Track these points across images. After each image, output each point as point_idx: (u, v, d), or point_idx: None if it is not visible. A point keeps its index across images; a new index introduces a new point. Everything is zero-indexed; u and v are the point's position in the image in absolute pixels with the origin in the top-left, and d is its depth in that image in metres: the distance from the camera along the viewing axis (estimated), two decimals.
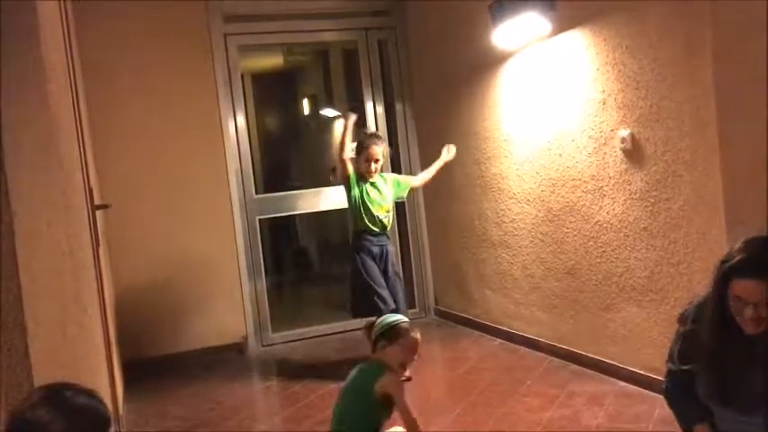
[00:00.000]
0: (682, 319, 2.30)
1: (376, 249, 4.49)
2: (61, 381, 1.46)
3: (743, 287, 1.98)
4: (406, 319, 3.24)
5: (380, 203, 4.49)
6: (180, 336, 5.42)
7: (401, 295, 4.52)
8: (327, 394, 4.33)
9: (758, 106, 3.15)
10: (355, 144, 4.59)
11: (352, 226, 4.68)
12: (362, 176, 4.48)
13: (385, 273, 4.48)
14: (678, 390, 2.28)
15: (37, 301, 1.78)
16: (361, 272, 4.44)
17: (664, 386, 2.38)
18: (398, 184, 4.69)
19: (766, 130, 3.14)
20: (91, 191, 3.47)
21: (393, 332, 3.11)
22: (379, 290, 4.37)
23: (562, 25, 4.09)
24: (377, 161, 4.45)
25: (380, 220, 4.48)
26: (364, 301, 4.41)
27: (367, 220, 4.46)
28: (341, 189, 4.96)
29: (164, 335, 5.35)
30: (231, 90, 5.67)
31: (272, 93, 9.76)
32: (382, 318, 3.29)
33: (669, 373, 2.34)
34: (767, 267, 1.97)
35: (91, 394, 1.39)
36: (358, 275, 4.45)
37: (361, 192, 4.47)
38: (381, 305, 4.29)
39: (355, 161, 4.51)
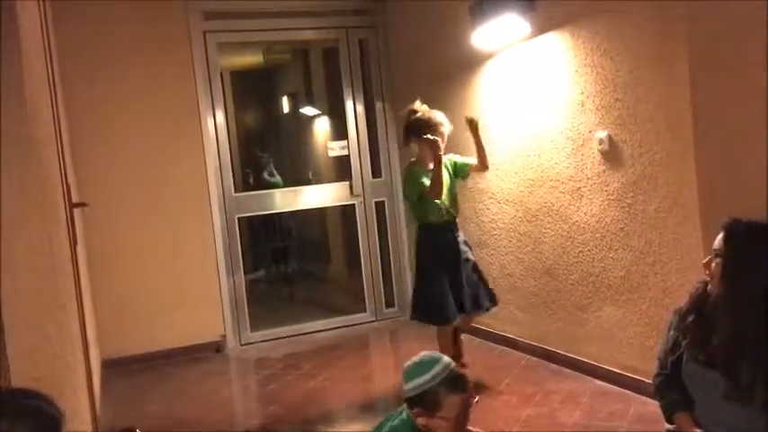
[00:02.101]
0: (675, 313, 2.42)
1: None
2: (8, 388, 1.44)
3: None
4: (447, 372, 2.18)
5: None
6: (158, 334, 5.38)
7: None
8: (307, 393, 4.34)
9: (733, 109, 3.20)
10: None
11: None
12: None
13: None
14: (665, 382, 2.41)
15: (14, 300, 1.77)
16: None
17: (654, 379, 2.49)
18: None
19: (741, 132, 3.20)
20: (68, 188, 3.44)
21: (430, 401, 2.14)
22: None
23: (541, 27, 4.13)
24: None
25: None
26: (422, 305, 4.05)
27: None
28: (320, 188, 4.99)
29: (141, 333, 5.32)
30: (210, 87, 5.64)
31: (252, 91, 9.73)
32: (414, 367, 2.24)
33: (659, 366, 2.46)
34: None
35: (36, 395, 1.38)
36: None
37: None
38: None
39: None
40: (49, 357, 1.99)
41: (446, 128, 3.97)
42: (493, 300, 4.08)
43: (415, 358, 2.24)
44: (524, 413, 3.65)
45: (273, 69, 9.23)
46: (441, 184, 3.86)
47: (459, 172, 4.12)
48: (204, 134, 5.57)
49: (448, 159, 4.03)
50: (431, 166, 3.89)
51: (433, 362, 2.19)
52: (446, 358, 2.23)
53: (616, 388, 3.80)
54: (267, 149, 8.91)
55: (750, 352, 2.13)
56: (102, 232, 5.19)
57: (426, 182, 3.89)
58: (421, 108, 4.07)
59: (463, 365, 3.96)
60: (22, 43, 2.03)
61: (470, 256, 4.06)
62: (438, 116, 4.00)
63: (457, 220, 4.09)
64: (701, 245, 3.19)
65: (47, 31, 3.42)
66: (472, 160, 4.13)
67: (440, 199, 3.91)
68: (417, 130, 3.97)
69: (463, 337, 4.42)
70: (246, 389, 4.85)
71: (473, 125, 4.01)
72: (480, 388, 4.03)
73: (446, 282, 3.92)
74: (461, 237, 4.07)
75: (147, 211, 5.38)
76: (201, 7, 5.56)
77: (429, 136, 3.86)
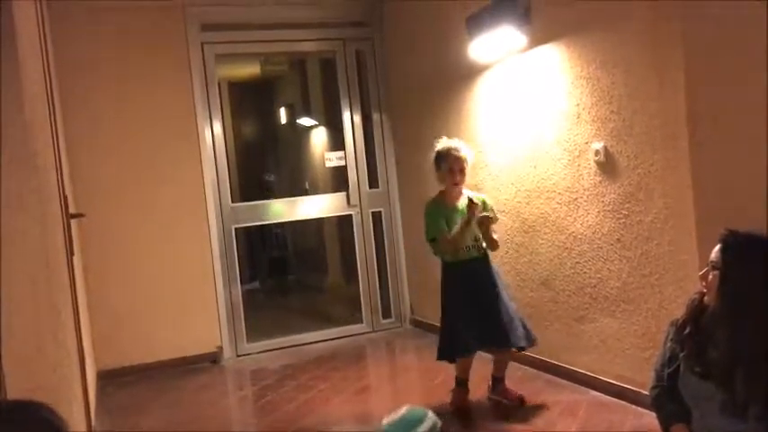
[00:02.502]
0: (672, 324, 2.43)
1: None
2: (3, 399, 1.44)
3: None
4: None
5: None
6: (154, 345, 5.37)
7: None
8: (303, 405, 4.33)
9: (728, 121, 3.22)
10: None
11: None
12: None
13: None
14: (662, 393, 2.41)
15: (11, 311, 1.77)
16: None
17: (651, 390, 2.49)
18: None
19: (736, 144, 3.22)
20: (66, 199, 3.44)
21: None
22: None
23: (537, 39, 4.15)
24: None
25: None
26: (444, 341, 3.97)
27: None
28: (317, 198, 4.96)
29: (138, 344, 5.30)
30: (208, 98, 5.66)
31: (250, 101, 9.75)
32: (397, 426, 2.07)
33: (656, 378, 2.46)
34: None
35: (39, 406, 1.37)
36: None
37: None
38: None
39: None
40: (45, 368, 1.98)
41: (467, 157, 3.91)
42: (529, 340, 3.92)
43: (397, 413, 2.02)
44: (521, 425, 3.64)
45: (271, 80, 9.25)
46: (455, 243, 3.84)
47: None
48: (201, 145, 5.58)
49: (477, 198, 3.88)
50: (456, 203, 3.89)
51: (417, 421, 1.98)
52: (432, 417, 2.02)
53: (613, 399, 3.80)
54: (265, 160, 8.93)
55: (747, 365, 2.13)
56: (99, 243, 5.18)
57: (443, 225, 3.86)
58: (440, 141, 4.01)
59: (520, 400, 3.94)
60: (19, 55, 2.04)
61: (499, 293, 3.91)
62: (456, 147, 3.92)
63: (486, 254, 3.94)
64: (696, 256, 3.20)
65: (45, 43, 3.43)
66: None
67: (449, 253, 3.88)
68: (437, 162, 3.95)
69: None
70: (243, 400, 4.83)
71: (483, 220, 3.83)
72: (476, 399, 4.03)
73: (460, 318, 3.86)
74: (490, 272, 3.94)
75: (144, 222, 5.37)
76: (199, 18, 5.58)
77: (472, 197, 3.81)
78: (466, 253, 3.89)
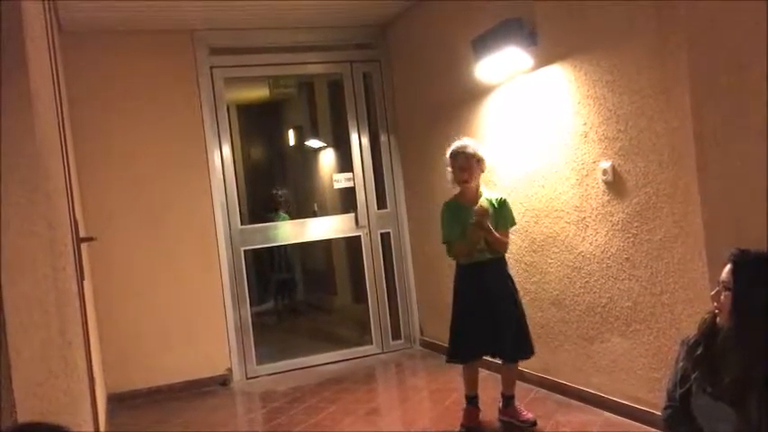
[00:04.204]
0: (683, 344, 2.41)
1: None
2: (27, 421, 1.44)
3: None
4: None
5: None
6: (164, 368, 5.37)
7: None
8: (313, 427, 4.31)
9: (736, 138, 3.21)
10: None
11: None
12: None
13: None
14: (675, 414, 2.40)
15: (21, 335, 1.77)
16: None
17: (663, 411, 2.46)
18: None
19: (744, 161, 3.21)
20: (76, 223, 3.46)
21: None
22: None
23: (543, 60, 4.17)
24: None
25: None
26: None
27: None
28: (326, 220, 4.90)
29: (148, 367, 5.31)
30: (217, 121, 5.70)
31: (258, 124, 9.82)
32: None
33: (668, 398, 2.45)
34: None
35: (56, 428, 1.37)
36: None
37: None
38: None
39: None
40: (55, 392, 1.98)
41: (474, 153, 3.89)
42: (526, 351, 3.93)
43: None
44: None
45: (279, 103, 9.32)
46: (465, 249, 3.86)
47: (501, 216, 3.92)
48: (211, 167, 5.61)
49: (495, 199, 3.92)
50: (471, 202, 3.88)
51: None
52: None
53: (625, 420, 3.77)
54: (274, 182, 8.96)
55: (761, 388, 2.11)
56: (109, 266, 5.20)
57: (455, 228, 3.89)
58: (459, 140, 4.01)
59: (531, 422, 3.90)
60: (31, 79, 2.07)
61: (510, 299, 3.90)
62: (462, 145, 3.93)
63: (500, 257, 3.92)
64: (706, 275, 3.18)
65: (56, 67, 3.47)
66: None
67: (462, 257, 3.90)
68: (450, 164, 3.96)
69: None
70: (252, 423, 4.81)
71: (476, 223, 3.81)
72: (487, 421, 4.00)
73: (468, 322, 3.88)
74: (503, 276, 3.92)
75: (154, 245, 5.39)
76: (208, 43, 5.64)
77: (484, 200, 3.86)
78: (478, 255, 3.87)
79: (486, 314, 3.84)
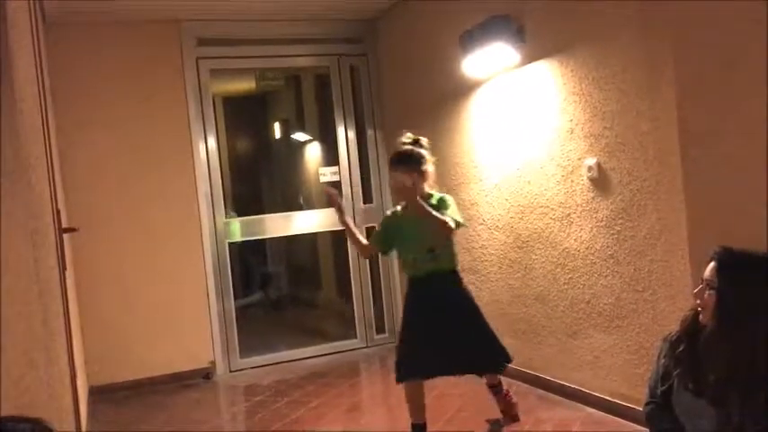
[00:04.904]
0: (665, 340, 2.41)
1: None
2: (7, 415, 1.42)
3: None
4: None
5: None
6: (146, 361, 5.34)
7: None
8: (296, 421, 4.30)
9: (721, 137, 3.24)
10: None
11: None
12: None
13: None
14: (656, 410, 2.40)
15: (2, 327, 1.75)
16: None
17: (644, 407, 2.47)
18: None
19: (729, 160, 3.23)
20: (58, 213, 3.43)
21: None
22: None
23: (531, 56, 4.18)
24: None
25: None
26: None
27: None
28: (311, 213, 4.82)
29: (130, 360, 5.27)
30: (202, 113, 5.66)
31: (244, 116, 9.76)
32: None
33: (649, 394, 2.45)
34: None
35: (34, 422, 1.36)
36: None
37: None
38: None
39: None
40: (37, 385, 1.97)
41: (399, 159, 3.55)
42: (499, 361, 3.65)
43: None
44: None
45: (265, 95, 9.27)
46: (362, 250, 3.73)
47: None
48: (195, 159, 5.58)
49: (436, 198, 3.54)
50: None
51: None
52: None
53: (607, 415, 3.79)
54: (260, 175, 8.92)
55: (744, 388, 2.12)
56: (92, 257, 5.16)
57: (378, 234, 3.71)
58: (405, 137, 3.67)
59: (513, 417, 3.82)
60: (14, 69, 2.04)
61: (466, 313, 3.59)
62: (399, 166, 3.53)
63: (447, 268, 3.59)
64: (689, 272, 3.21)
65: (39, 56, 3.44)
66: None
67: (366, 257, 3.69)
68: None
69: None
70: (235, 417, 4.80)
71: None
72: (469, 415, 4.01)
73: (416, 338, 3.53)
74: (451, 290, 3.60)
75: (137, 236, 5.36)
76: (195, 33, 5.60)
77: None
78: (420, 267, 3.55)
79: (434, 331, 3.48)
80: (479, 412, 4.06)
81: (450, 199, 3.56)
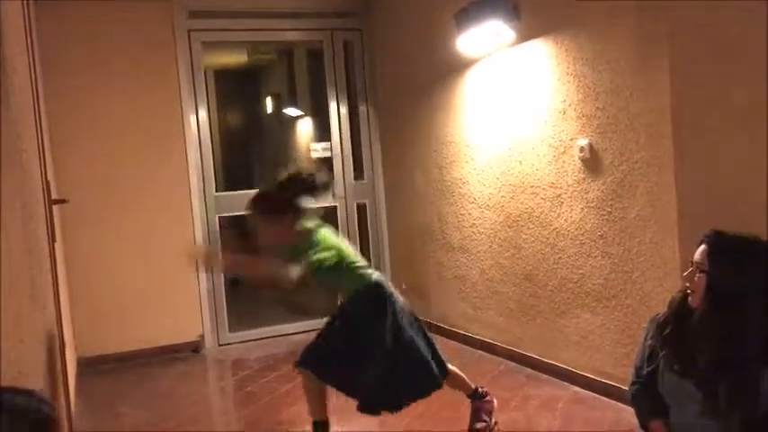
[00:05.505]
0: (652, 322, 2.42)
1: None
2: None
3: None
4: None
5: None
6: (135, 333, 5.35)
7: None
8: (284, 395, 4.33)
9: (712, 120, 3.25)
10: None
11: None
12: None
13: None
14: (641, 390, 2.42)
15: None
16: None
17: (630, 387, 2.48)
18: None
19: (720, 142, 3.24)
20: (48, 185, 3.41)
21: None
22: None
23: (525, 34, 4.16)
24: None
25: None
26: None
27: None
28: None
29: (119, 332, 5.28)
30: (194, 86, 5.62)
31: (236, 90, 9.70)
32: None
33: (635, 374, 2.46)
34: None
35: (30, 393, 1.36)
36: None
37: None
38: None
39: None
40: (26, 357, 1.97)
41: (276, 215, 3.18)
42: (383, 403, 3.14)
43: None
44: (500, 418, 3.66)
45: (257, 69, 9.21)
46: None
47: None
48: (186, 133, 5.54)
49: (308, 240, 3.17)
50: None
51: None
52: None
53: (593, 394, 3.84)
54: (251, 149, 8.87)
55: (732, 372, 2.13)
56: (81, 229, 5.14)
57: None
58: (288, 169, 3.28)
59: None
60: (3, 40, 2.02)
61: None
62: (248, 215, 3.27)
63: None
64: (678, 254, 3.23)
65: (30, 28, 3.39)
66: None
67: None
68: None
69: (443, 341, 4.39)
70: (223, 390, 4.82)
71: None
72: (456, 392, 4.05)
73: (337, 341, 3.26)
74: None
75: (127, 209, 5.34)
76: (187, 6, 5.53)
77: None
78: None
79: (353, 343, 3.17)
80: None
81: (321, 237, 3.18)
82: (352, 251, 3.31)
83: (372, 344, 3.12)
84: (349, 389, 3.21)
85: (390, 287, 3.32)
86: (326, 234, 3.24)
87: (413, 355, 3.16)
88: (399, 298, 3.31)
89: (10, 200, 1.97)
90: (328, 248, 3.17)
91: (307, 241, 3.14)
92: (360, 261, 3.31)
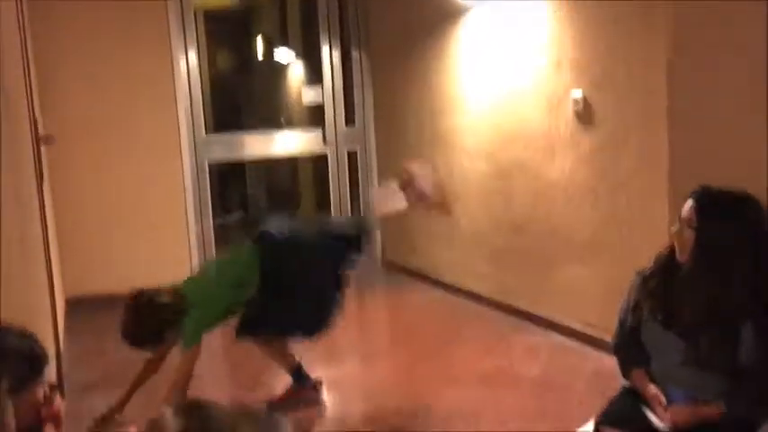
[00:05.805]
0: (638, 275, 2.43)
1: None
2: None
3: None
4: None
5: None
6: (124, 274, 5.30)
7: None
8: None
9: (708, 75, 3.22)
10: None
11: None
12: None
13: None
14: (624, 340, 2.44)
15: None
16: None
17: (613, 337, 2.51)
18: None
19: (714, 99, 3.23)
20: (36, 123, 3.37)
21: None
22: None
23: None
24: None
25: None
26: None
27: None
28: (292, 134, 4.69)
29: (108, 273, 5.27)
30: (183, 27, 5.52)
31: (226, 32, 9.53)
32: None
33: (619, 325, 2.47)
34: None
35: (23, 334, 1.36)
36: None
37: None
38: None
39: None
40: (14, 296, 1.97)
41: None
42: None
43: None
44: (483, 365, 3.72)
45: (248, 11, 9.04)
46: None
47: None
48: (176, 75, 5.46)
49: None
50: None
51: None
52: None
53: (576, 343, 3.89)
54: (241, 91, 8.77)
55: (717, 326, 2.15)
56: (69, 169, 5.10)
57: None
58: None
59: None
60: None
61: None
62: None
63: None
64: (667, 209, 3.24)
65: None
66: None
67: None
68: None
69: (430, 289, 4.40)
70: (211, 336, 4.84)
71: None
72: (441, 339, 4.10)
73: None
74: None
75: (116, 149, 5.29)
76: None
77: None
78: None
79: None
80: (453, 335, 4.13)
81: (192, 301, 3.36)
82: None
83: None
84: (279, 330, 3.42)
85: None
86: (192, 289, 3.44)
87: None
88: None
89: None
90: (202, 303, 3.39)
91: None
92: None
